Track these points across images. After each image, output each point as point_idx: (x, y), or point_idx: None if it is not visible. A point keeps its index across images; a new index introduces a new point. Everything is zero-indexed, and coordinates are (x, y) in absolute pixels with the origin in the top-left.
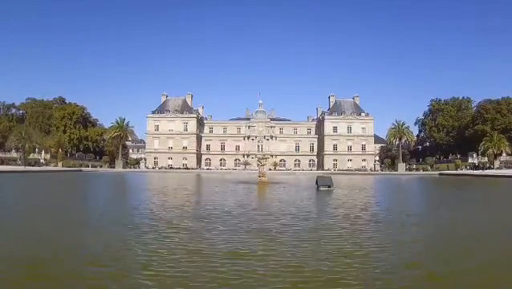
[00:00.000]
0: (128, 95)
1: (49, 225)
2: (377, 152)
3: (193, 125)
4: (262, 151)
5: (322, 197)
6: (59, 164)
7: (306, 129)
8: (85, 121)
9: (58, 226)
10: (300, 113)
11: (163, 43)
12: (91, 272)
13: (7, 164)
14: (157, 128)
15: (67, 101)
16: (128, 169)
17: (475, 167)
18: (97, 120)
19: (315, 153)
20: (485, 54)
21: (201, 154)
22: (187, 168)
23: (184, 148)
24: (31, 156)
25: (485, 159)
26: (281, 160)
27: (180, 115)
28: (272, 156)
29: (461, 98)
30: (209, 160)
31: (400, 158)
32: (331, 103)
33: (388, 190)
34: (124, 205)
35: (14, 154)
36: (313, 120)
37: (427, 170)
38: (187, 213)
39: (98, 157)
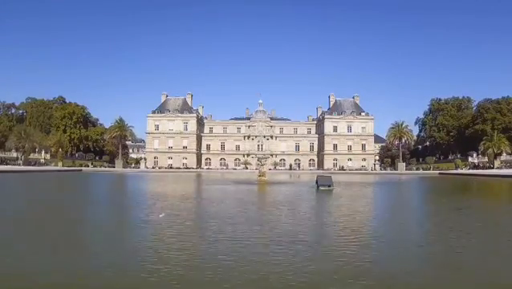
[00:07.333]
0: (128, 95)
1: None
2: (377, 151)
3: (193, 125)
4: (262, 150)
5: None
6: (59, 163)
7: (306, 129)
8: (85, 121)
9: None
10: (300, 113)
11: (163, 43)
12: None
13: (7, 164)
14: (157, 127)
15: (67, 101)
16: (128, 169)
17: (475, 166)
18: (97, 119)
19: (315, 153)
20: (485, 53)
21: (201, 154)
22: (187, 168)
23: (184, 147)
24: (31, 155)
25: (485, 158)
26: (281, 160)
27: (180, 114)
28: (272, 155)
29: (461, 97)
30: (209, 159)
31: (400, 158)
32: (331, 103)
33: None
34: None
35: (14, 154)
36: (313, 119)
37: (427, 170)
38: None
39: (98, 157)
